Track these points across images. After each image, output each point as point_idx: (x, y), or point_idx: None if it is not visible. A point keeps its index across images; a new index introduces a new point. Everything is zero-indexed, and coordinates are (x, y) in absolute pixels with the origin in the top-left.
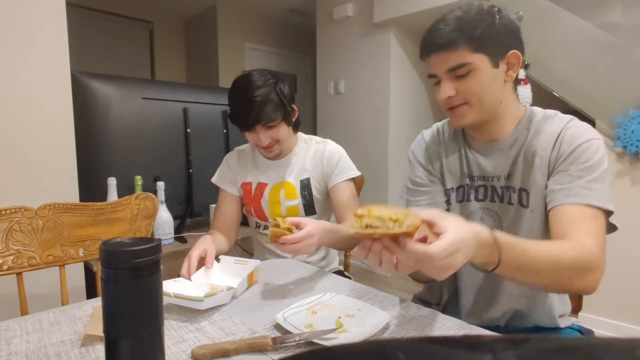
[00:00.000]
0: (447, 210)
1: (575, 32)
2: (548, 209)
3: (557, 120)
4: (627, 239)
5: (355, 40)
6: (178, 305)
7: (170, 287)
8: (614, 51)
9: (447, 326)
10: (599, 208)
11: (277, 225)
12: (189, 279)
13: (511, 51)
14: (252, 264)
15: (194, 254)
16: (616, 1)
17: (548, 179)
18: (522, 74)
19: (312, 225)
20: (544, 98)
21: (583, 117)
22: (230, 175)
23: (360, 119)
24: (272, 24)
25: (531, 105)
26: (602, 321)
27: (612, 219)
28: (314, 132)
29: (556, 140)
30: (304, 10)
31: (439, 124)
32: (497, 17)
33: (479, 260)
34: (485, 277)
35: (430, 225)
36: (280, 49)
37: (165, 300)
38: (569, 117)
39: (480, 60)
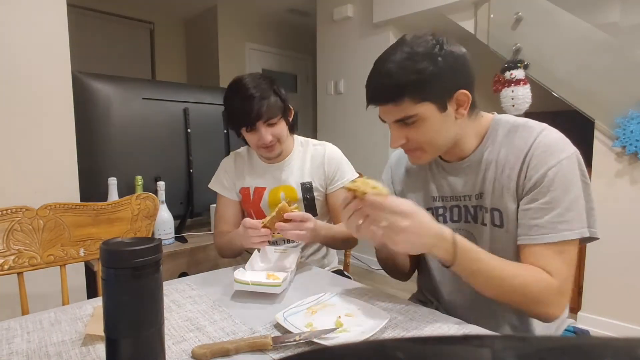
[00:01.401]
0: None
1: (575, 32)
2: (517, 242)
3: (526, 132)
4: (627, 239)
5: (355, 40)
6: (178, 305)
7: (241, 276)
8: (613, 51)
9: (447, 326)
10: (570, 240)
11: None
12: (268, 239)
13: (458, 91)
14: (292, 251)
15: (251, 221)
16: (615, 1)
17: (518, 202)
18: (521, 74)
19: (309, 215)
20: (544, 98)
21: (583, 117)
22: (227, 181)
23: (360, 119)
24: (272, 24)
25: (530, 105)
26: (601, 321)
27: (599, 225)
28: (314, 132)
29: (524, 159)
30: (304, 11)
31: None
32: (440, 58)
33: (438, 253)
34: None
35: None
36: (280, 49)
37: (242, 288)
38: (538, 128)
39: (426, 109)
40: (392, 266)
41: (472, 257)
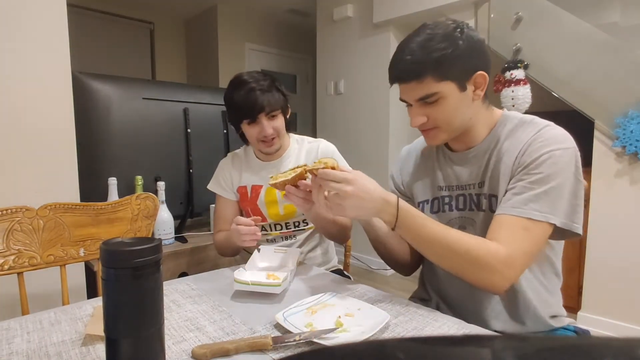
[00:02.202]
0: None
1: (575, 32)
2: (496, 213)
3: (531, 127)
4: (627, 239)
5: (355, 40)
6: (178, 305)
7: (241, 275)
8: (613, 51)
9: (447, 325)
10: (538, 221)
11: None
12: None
13: (477, 72)
14: (292, 251)
15: (244, 219)
16: (615, 1)
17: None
18: (521, 74)
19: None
20: (544, 98)
21: (583, 117)
22: (226, 181)
23: (360, 119)
24: (272, 24)
25: (530, 105)
26: (601, 321)
27: (580, 222)
28: (314, 132)
29: (521, 148)
30: (304, 11)
31: (418, 141)
32: (460, 41)
33: (384, 217)
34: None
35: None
36: (280, 49)
37: (241, 288)
38: (544, 123)
39: (447, 88)
40: (387, 253)
41: (417, 223)
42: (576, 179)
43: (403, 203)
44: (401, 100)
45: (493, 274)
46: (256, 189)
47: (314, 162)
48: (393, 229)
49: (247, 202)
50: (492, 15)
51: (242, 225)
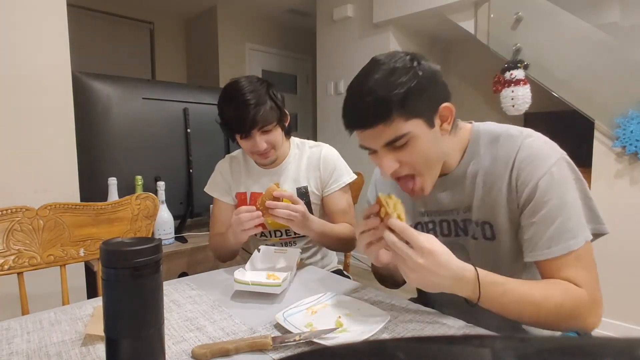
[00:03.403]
0: None
1: (575, 32)
2: (529, 259)
3: (508, 142)
4: (627, 239)
5: (355, 40)
6: (178, 305)
7: (241, 276)
8: (613, 51)
9: (447, 326)
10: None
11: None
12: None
13: (442, 105)
14: (292, 251)
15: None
16: (615, 1)
17: (516, 215)
18: (521, 74)
19: (299, 199)
20: (544, 98)
21: (583, 117)
22: (224, 185)
23: None
24: (272, 24)
25: (530, 105)
26: (602, 321)
27: (603, 221)
28: (314, 132)
29: (511, 172)
30: (304, 11)
31: None
32: (420, 71)
33: (460, 293)
34: None
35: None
36: (280, 49)
37: (241, 288)
38: (520, 136)
39: (416, 126)
40: (389, 280)
41: (499, 291)
42: (578, 181)
43: (483, 275)
44: (362, 147)
45: (587, 319)
46: (255, 196)
47: (389, 196)
48: (473, 306)
49: None
50: (492, 15)
51: (244, 212)
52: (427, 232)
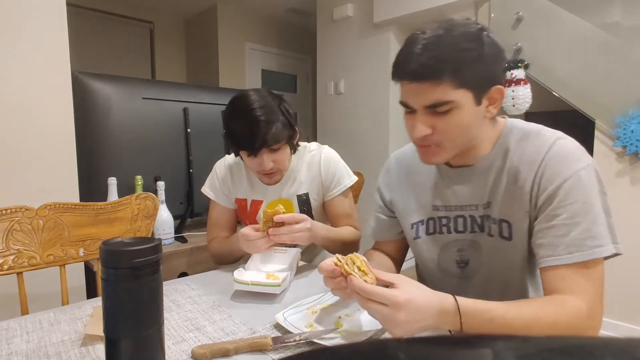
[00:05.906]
0: (415, 241)
1: (575, 32)
2: (538, 265)
3: (539, 141)
4: (627, 239)
5: (355, 40)
6: (178, 305)
7: (241, 275)
8: (614, 51)
9: None
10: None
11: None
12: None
13: (495, 86)
14: (292, 251)
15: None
16: (616, 1)
17: (530, 216)
18: (522, 73)
19: (303, 215)
20: (544, 98)
21: (583, 117)
22: (223, 188)
23: (360, 119)
24: (272, 24)
25: (530, 105)
26: (602, 321)
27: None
28: (314, 132)
29: (537, 170)
30: (304, 10)
31: (407, 150)
32: (486, 45)
33: (445, 327)
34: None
35: (390, 286)
36: (280, 49)
37: (241, 288)
38: (553, 135)
39: (463, 98)
40: None
41: (485, 319)
42: (602, 194)
43: (463, 304)
44: (402, 104)
45: (585, 333)
46: (256, 204)
47: (340, 258)
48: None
49: (245, 215)
50: (492, 15)
51: (258, 239)
52: (441, 227)
